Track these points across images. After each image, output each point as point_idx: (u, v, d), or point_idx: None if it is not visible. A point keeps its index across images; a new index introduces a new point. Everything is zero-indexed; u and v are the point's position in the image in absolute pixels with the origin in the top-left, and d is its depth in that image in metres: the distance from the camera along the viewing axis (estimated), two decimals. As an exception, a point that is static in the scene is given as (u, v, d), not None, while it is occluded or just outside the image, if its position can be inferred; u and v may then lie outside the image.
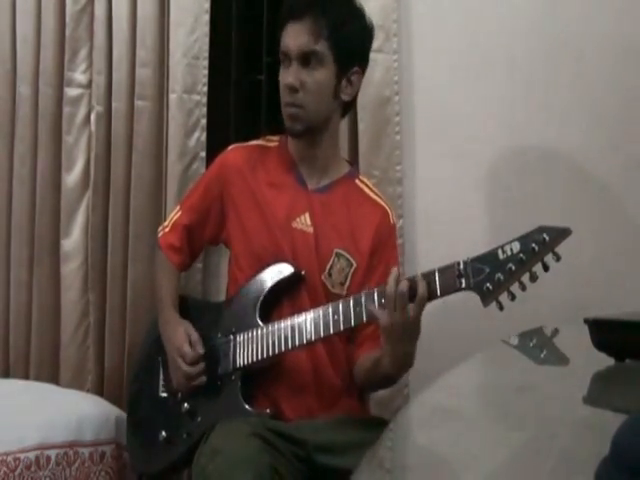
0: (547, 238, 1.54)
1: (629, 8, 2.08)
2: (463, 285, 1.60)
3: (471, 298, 2.13)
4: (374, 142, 2.22)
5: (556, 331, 1.55)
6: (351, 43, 1.86)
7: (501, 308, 1.59)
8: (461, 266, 1.60)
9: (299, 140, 1.92)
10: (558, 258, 1.54)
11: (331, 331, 1.74)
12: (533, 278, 1.56)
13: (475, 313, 2.13)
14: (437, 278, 1.62)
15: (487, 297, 1.58)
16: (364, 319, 1.70)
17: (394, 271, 1.65)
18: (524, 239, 1.56)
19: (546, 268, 1.56)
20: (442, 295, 1.63)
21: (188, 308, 2.02)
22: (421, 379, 2.08)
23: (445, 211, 2.22)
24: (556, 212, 2.08)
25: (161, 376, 2.00)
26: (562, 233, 1.55)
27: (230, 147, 2.02)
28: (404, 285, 1.61)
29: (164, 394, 1.99)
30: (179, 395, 1.94)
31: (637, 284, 2.04)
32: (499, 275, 1.57)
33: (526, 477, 0.85)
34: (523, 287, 1.58)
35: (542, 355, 1.17)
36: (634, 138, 2.08)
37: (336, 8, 1.85)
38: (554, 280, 2.11)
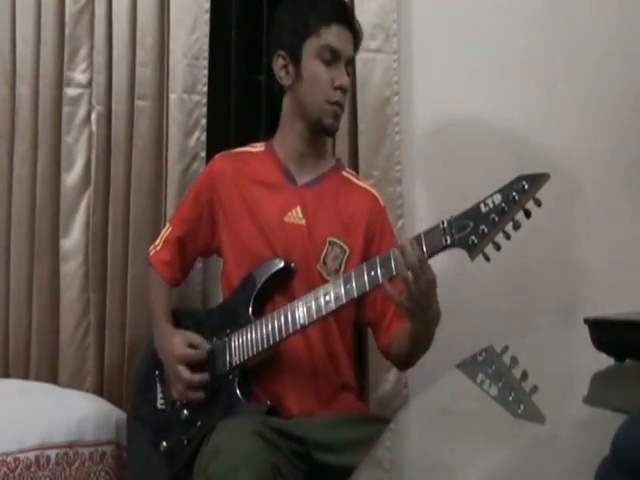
0: (526, 186, 1.57)
1: (632, 9, 2.08)
2: (449, 242, 1.63)
3: (472, 298, 2.14)
4: (374, 142, 2.22)
5: (524, 374, 1.55)
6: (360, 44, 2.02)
7: (487, 259, 1.61)
8: (445, 224, 1.64)
9: (317, 140, 1.95)
10: (539, 204, 1.57)
11: (323, 312, 1.74)
12: (516, 226, 1.59)
13: (475, 313, 2.14)
14: (423, 240, 1.64)
15: (473, 250, 1.61)
16: (355, 294, 1.71)
17: (403, 239, 1.70)
18: (504, 190, 1.60)
19: (528, 215, 1.58)
20: (430, 255, 1.64)
21: (182, 320, 2.02)
22: (421, 379, 2.09)
23: (445, 211, 2.21)
24: (556, 211, 2.08)
25: (159, 389, 2.00)
26: (541, 179, 1.58)
27: (217, 156, 2.05)
28: (408, 248, 1.61)
29: (162, 406, 1.98)
30: (178, 403, 1.94)
31: (637, 284, 2.04)
32: (483, 227, 1.60)
33: (526, 477, 0.85)
34: (508, 236, 1.60)
35: (519, 411, 1.18)
36: (635, 139, 2.08)
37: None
38: (554, 280, 2.12)
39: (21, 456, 1.98)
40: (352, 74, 2.12)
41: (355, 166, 2.19)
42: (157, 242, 2.06)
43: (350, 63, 1.96)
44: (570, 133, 2.13)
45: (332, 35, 1.89)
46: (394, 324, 1.88)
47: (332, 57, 1.88)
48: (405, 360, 1.90)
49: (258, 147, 2.04)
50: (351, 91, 2.18)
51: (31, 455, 2.00)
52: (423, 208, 2.25)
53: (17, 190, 2.57)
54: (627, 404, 1.06)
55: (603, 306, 2.05)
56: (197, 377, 1.88)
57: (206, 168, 2.05)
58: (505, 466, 0.87)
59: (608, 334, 1.30)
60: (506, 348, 1.64)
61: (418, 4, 2.25)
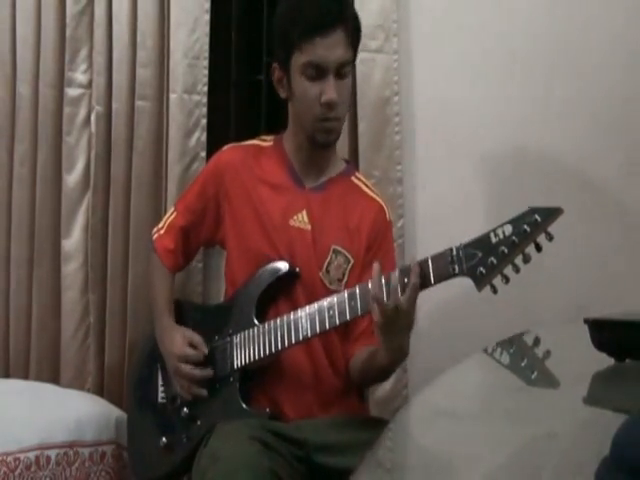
0: (539, 219, 1.54)
1: (632, 9, 2.08)
2: (457, 271, 1.59)
3: (471, 298, 2.13)
4: (374, 142, 2.22)
5: (547, 352, 1.54)
6: (360, 34, 1.88)
7: (495, 291, 1.58)
8: (454, 252, 1.60)
9: (320, 150, 1.91)
10: (551, 238, 1.54)
11: (327, 326, 1.73)
12: (526, 260, 1.56)
13: (475, 313, 2.14)
14: (430, 265, 1.61)
15: (481, 281, 1.57)
16: (359, 312, 1.70)
17: (375, 266, 1.64)
18: (516, 221, 1.56)
19: (539, 249, 1.55)
20: (436, 282, 1.61)
21: (185, 313, 2.02)
22: (421, 379, 2.09)
23: (445, 211, 2.22)
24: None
25: (159, 382, 2.00)
26: (553, 213, 1.54)
27: (225, 147, 2.02)
28: (394, 277, 1.60)
29: (163, 400, 1.98)
30: (178, 400, 1.94)
31: (637, 284, 2.04)
32: (492, 259, 1.56)
33: (526, 477, 0.85)
34: (517, 269, 1.57)
35: (533, 377, 1.18)
36: (633, 137, 2.08)
37: (350, 9, 1.85)
38: (554, 280, 2.12)
39: (21, 456, 1.98)
40: (352, 74, 2.12)
41: (355, 166, 2.19)
42: (161, 225, 2.04)
43: (345, 66, 1.81)
44: (570, 133, 2.13)
45: (315, 49, 1.77)
46: (362, 339, 1.86)
47: (317, 73, 1.78)
48: (358, 378, 1.87)
49: (268, 141, 1.99)
50: (351, 90, 2.17)
51: (31, 455, 2.00)
52: (423, 208, 2.25)
53: (17, 190, 2.58)
54: (627, 404, 1.06)
55: (603, 306, 2.05)
56: (198, 372, 1.88)
57: (214, 158, 2.02)
58: (505, 466, 0.87)
59: (608, 334, 1.30)
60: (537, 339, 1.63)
61: (418, 4, 2.25)
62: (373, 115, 2.21)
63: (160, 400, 1.99)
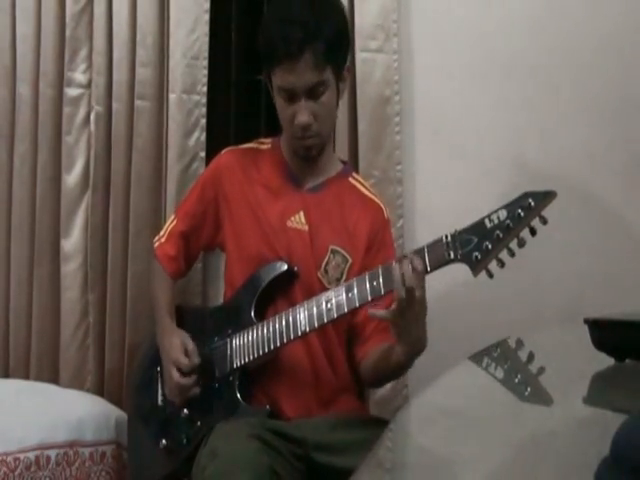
0: (532, 203, 1.55)
1: (633, 9, 2.08)
2: (452, 256, 1.60)
3: (471, 298, 2.14)
4: (374, 142, 2.22)
5: (542, 368, 1.54)
6: (344, 48, 1.87)
7: (491, 276, 1.59)
8: (449, 239, 1.61)
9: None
10: (545, 222, 1.55)
11: (325, 320, 1.73)
12: (521, 244, 1.57)
13: (476, 313, 2.14)
14: (426, 253, 1.62)
15: (476, 266, 1.58)
16: (357, 304, 1.70)
17: (395, 265, 1.64)
18: (510, 206, 1.57)
19: (533, 233, 1.56)
20: (433, 269, 1.62)
21: (185, 317, 2.03)
22: (421, 379, 2.09)
23: (445, 211, 2.22)
24: (556, 212, 2.08)
25: (159, 385, 2.00)
26: (547, 197, 1.55)
27: (223, 151, 2.03)
28: (406, 266, 1.59)
29: (163, 403, 1.98)
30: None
31: (637, 284, 2.04)
32: (487, 243, 1.57)
33: (526, 477, 0.85)
34: (512, 254, 1.58)
35: (526, 393, 1.18)
36: (635, 139, 2.08)
37: (327, 25, 1.79)
38: (554, 280, 2.12)
39: (21, 456, 1.98)
40: (352, 73, 2.12)
41: (355, 166, 2.19)
42: (162, 233, 2.05)
43: (318, 87, 1.78)
44: (570, 133, 2.13)
45: (283, 75, 1.78)
46: (374, 338, 1.85)
47: (288, 96, 1.80)
48: (372, 377, 1.87)
49: (266, 144, 2.01)
50: (351, 90, 2.17)
51: (31, 455, 2.00)
52: (423, 208, 2.25)
53: (17, 190, 2.58)
54: (627, 404, 1.06)
55: (603, 306, 2.05)
56: (188, 381, 1.88)
57: (213, 162, 2.03)
58: (505, 466, 0.87)
59: (608, 334, 1.30)
60: (520, 342, 1.63)
61: (418, 4, 2.25)
62: (373, 115, 2.21)
63: (160, 402, 1.99)
